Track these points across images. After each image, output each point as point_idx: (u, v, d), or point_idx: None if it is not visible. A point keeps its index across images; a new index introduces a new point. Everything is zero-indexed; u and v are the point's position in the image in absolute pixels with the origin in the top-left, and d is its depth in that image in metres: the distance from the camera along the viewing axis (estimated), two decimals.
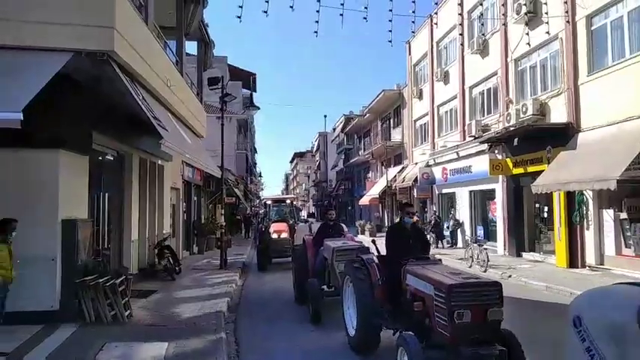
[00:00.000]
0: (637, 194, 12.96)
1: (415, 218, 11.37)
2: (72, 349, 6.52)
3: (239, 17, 9.58)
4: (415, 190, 27.24)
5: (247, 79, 35.02)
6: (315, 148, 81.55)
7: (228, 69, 34.10)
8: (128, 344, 6.72)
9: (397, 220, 7.29)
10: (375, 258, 6.66)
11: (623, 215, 13.34)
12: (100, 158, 10.50)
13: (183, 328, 7.68)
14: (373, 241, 7.34)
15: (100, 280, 8.03)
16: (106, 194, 11.06)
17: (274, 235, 16.01)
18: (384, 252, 6.66)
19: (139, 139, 11.41)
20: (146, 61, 9.35)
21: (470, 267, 14.63)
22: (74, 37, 7.24)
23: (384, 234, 7.14)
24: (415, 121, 29.65)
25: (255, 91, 35.62)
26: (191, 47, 19.40)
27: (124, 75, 8.20)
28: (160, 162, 14.08)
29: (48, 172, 7.80)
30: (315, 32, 10.67)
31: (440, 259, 6.48)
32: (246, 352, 6.92)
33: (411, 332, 5.24)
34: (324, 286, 8.93)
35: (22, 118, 5.47)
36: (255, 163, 70.75)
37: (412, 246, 6.43)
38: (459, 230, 22.39)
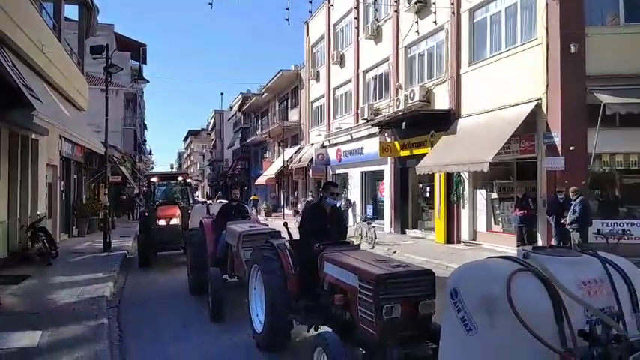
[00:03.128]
0: (506, 176, 14.39)
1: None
2: None
3: None
4: (310, 171, 27.72)
5: (137, 50, 32.96)
6: (210, 127, 79.30)
7: (115, 38, 31.73)
8: None
9: (313, 199, 6.65)
10: (287, 244, 5.90)
11: (494, 195, 14.75)
12: None
13: (60, 315, 7.12)
14: (285, 224, 6.64)
15: None
16: None
17: (161, 222, 13.02)
18: (296, 236, 6.01)
19: (9, 110, 10.23)
20: (16, 22, 8.43)
21: (359, 244, 15.27)
22: None
23: (279, 214, 6.69)
24: (312, 102, 30.01)
25: (146, 63, 33.68)
26: (72, 12, 17.79)
27: None
28: (33, 136, 12.79)
29: None
30: (210, 4, 10.31)
31: (359, 244, 5.97)
32: (132, 338, 6.60)
33: (329, 329, 4.78)
34: (227, 276, 8.13)
35: None
36: (145, 140, 67.21)
37: (330, 230, 5.80)
38: (350, 210, 23.22)
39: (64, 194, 17.84)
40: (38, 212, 13.25)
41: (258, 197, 37.54)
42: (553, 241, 11.49)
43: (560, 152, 11.83)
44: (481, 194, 15.15)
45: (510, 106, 13.10)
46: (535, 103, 12.38)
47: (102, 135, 15.87)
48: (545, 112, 12.24)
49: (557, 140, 11.91)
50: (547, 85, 12.15)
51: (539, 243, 12.04)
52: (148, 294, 9.53)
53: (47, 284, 9.44)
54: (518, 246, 11.92)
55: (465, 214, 15.39)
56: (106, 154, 16.03)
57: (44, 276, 10.24)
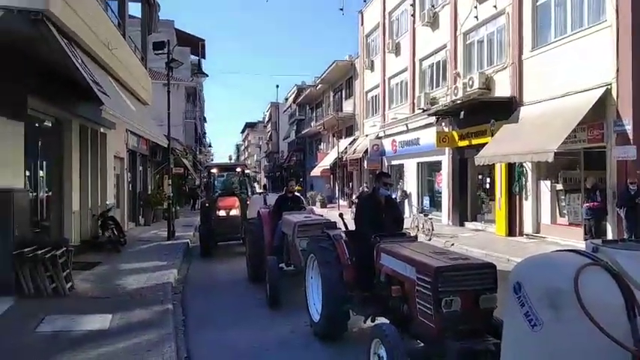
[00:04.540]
0: (572, 167, 13.70)
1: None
2: (10, 322, 6.28)
3: None
4: (365, 162, 27.59)
5: (196, 45, 33.94)
6: (266, 119, 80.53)
7: (175, 34, 32.76)
8: (70, 316, 6.54)
9: (367, 190, 6.66)
10: (343, 234, 5.96)
11: (559, 186, 14.09)
12: (37, 125, 9.95)
13: (129, 300, 7.54)
14: (341, 215, 6.71)
15: (39, 252, 7.70)
16: (45, 163, 10.54)
17: (221, 213, 13.11)
18: (352, 227, 6.02)
19: (79, 105, 10.86)
20: (85, 21, 8.83)
21: (415, 236, 15.08)
22: None
23: (335, 205, 6.75)
24: (367, 92, 29.78)
25: (204, 58, 34.66)
26: (135, 9, 18.52)
27: (61, 36, 7.71)
28: (102, 130, 13.50)
29: None
30: None
31: (415, 236, 5.94)
32: (194, 323, 6.87)
33: (386, 321, 4.75)
34: (283, 265, 8.33)
35: None
36: (205, 133, 69.23)
37: (385, 221, 5.77)
38: (406, 201, 22.94)
39: (130, 185, 18.73)
40: (107, 202, 13.98)
41: (302, 187, 38.58)
42: (624, 235, 10.85)
43: (631, 140, 11.08)
44: (545, 185, 14.51)
45: (577, 93, 12.41)
46: (604, 89, 11.66)
47: (165, 128, 16.51)
48: (615, 99, 11.50)
49: (629, 128, 11.18)
50: (617, 70, 11.40)
51: (609, 236, 11.40)
52: (210, 281, 9.90)
53: (116, 270, 10.00)
54: (586, 239, 11.36)
55: (527, 205, 14.80)
56: (168, 147, 16.66)
57: (113, 263, 10.84)
